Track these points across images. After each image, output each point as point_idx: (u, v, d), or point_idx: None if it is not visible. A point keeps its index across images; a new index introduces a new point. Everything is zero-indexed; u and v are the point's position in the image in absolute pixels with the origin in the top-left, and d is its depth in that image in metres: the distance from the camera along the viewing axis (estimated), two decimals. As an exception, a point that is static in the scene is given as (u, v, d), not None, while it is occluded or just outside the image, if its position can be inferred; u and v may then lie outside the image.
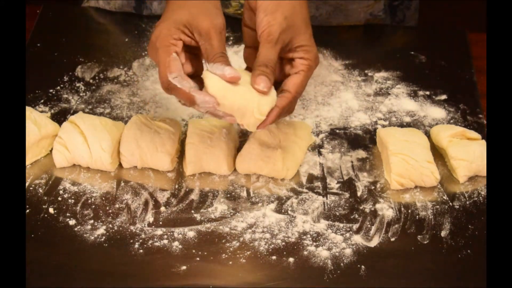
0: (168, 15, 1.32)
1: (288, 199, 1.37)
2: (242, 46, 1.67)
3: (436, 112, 1.56)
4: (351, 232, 1.32)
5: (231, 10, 1.73)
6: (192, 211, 1.35)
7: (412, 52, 1.70)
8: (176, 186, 1.39)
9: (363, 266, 1.26)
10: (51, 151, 1.42)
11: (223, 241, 1.29)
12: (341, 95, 1.59)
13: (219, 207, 1.35)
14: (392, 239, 1.31)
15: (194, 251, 1.28)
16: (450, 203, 1.37)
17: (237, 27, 1.72)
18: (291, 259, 1.27)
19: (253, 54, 1.34)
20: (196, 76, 1.31)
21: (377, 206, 1.36)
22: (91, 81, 1.60)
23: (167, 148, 1.39)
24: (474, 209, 1.36)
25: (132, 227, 1.31)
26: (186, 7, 1.31)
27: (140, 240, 1.29)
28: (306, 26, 1.35)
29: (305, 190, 1.39)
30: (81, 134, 1.40)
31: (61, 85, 1.58)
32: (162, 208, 1.35)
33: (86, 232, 1.30)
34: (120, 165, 1.42)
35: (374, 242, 1.30)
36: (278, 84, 1.34)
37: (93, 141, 1.39)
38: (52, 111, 1.52)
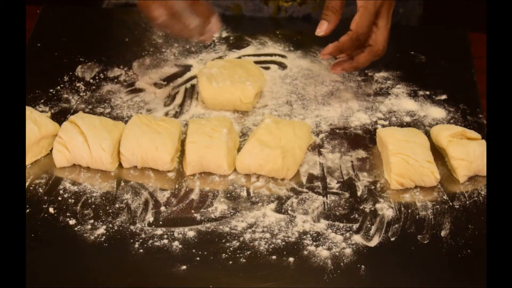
0: None
1: (288, 199, 1.37)
2: (243, 49, 1.68)
3: (436, 112, 1.56)
4: (351, 232, 1.32)
5: None
6: (192, 211, 1.35)
7: (412, 52, 1.70)
8: (176, 186, 1.39)
9: (363, 266, 1.26)
10: (51, 151, 1.43)
11: (223, 241, 1.29)
12: (341, 95, 1.59)
13: (219, 207, 1.35)
14: (392, 239, 1.31)
15: (194, 251, 1.28)
16: (450, 203, 1.37)
17: (237, 27, 1.74)
18: (291, 259, 1.27)
19: None
20: None
21: (377, 206, 1.36)
22: (91, 81, 1.60)
23: (167, 148, 1.39)
24: (474, 209, 1.36)
25: (132, 227, 1.31)
26: None
27: (140, 240, 1.29)
28: None
29: (305, 190, 1.39)
30: (81, 134, 1.40)
31: (61, 85, 1.58)
32: (162, 208, 1.35)
33: (86, 232, 1.30)
34: (120, 165, 1.42)
35: (374, 242, 1.30)
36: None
37: (93, 141, 1.39)
38: (52, 111, 1.52)
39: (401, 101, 1.58)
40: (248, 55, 1.68)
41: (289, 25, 1.77)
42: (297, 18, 1.78)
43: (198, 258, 1.27)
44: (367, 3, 1.46)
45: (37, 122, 1.42)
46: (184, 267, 1.25)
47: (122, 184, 1.39)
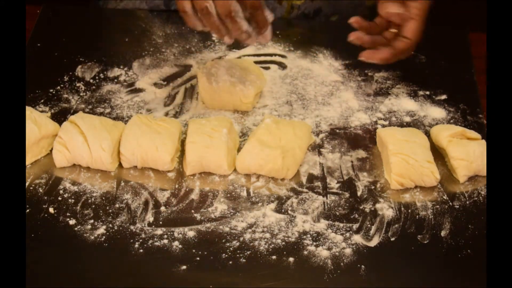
0: None
1: (288, 199, 1.37)
2: (243, 49, 1.68)
3: (436, 112, 1.56)
4: (351, 232, 1.32)
5: None
6: (192, 211, 1.35)
7: (412, 52, 1.69)
8: (176, 186, 1.39)
9: (363, 266, 1.26)
10: (51, 151, 1.43)
11: (223, 241, 1.29)
12: (341, 95, 1.59)
13: (219, 206, 1.35)
14: (392, 239, 1.31)
15: (194, 251, 1.28)
16: (450, 203, 1.37)
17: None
18: (291, 259, 1.27)
19: None
20: None
21: (377, 206, 1.36)
22: (91, 81, 1.60)
23: (167, 148, 1.39)
24: (474, 209, 1.36)
25: (132, 227, 1.31)
26: None
27: (140, 240, 1.29)
28: None
29: (305, 190, 1.39)
30: (81, 134, 1.40)
31: (61, 85, 1.58)
32: (162, 208, 1.35)
33: (86, 232, 1.30)
34: (120, 165, 1.42)
35: (374, 242, 1.30)
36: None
37: (93, 141, 1.39)
38: (52, 111, 1.52)
39: (401, 101, 1.58)
40: (248, 55, 1.68)
41: (290, 24, 1.77)
42: (303, 17, 1.77)
43: (198, 258, 1.27)
44: (422, 15, 1.49)
45: (37, 122, 1.42)
46: (184, 267, 1.25)
47: (122, 184, 1.39)
